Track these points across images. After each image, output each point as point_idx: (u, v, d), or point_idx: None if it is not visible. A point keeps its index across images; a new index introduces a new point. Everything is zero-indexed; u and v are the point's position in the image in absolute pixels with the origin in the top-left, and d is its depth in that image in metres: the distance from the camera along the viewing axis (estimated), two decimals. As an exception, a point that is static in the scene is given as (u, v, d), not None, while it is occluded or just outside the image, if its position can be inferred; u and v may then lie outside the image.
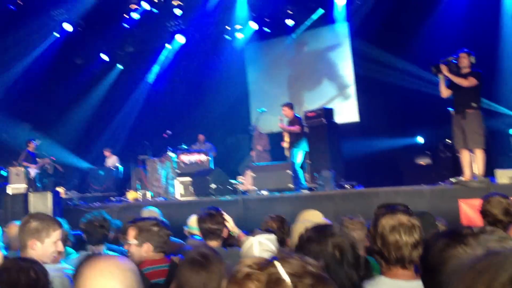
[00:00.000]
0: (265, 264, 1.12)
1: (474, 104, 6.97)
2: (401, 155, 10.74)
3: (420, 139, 11.08)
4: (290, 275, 1.09)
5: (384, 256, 2.27)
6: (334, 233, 2.19)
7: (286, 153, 10.05)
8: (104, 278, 1.62)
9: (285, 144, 10.06)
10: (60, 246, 3.12)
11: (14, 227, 4.78)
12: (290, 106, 10.34)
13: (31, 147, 12.67)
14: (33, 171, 12.51)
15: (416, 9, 11.18)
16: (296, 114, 10.39)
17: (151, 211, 5.22)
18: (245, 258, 1.22)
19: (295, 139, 9.95)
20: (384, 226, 2.27)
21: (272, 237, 3.50)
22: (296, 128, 9.92)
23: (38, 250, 3.01)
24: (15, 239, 4.60)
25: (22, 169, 11.09)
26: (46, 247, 3.04)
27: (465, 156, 7.06)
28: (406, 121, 11.17)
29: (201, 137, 12.49)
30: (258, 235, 3.52)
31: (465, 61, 7.17)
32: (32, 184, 11.98)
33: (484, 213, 4.05)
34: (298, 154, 9.84)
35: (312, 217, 3.87)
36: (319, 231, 2.23)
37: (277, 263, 1.11)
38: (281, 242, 3.62)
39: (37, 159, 12.51)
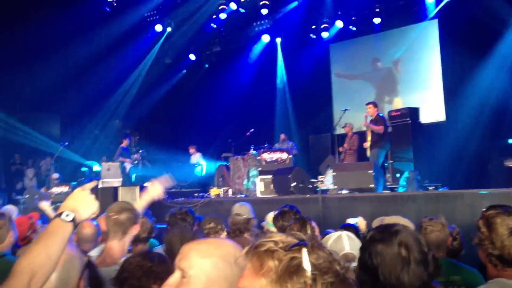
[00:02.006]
0: (292, 247, 1.08)
1: None
2: (490, 157, 10.26)
3: (511, 141, 10.51)
4: (313, 265, 1.05)
5: (503, 258, 2.26)
6: (398, 230, 2.16)
7: (368, 152, 9.89)
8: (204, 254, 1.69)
9: (368, 144, 9.90)
10: None
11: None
12: (374, 104, 10.15)
13: (125, 143, 13.40)
14: (128, 165, 13.24)
15: (508, 6, 10.62)
16: (380, 114, 10.20)
17: (243, 206, 5.32)
18: (274, 234, 1.18)
19: (378, 138, 9.77)
20: (503, 228, 2.27)
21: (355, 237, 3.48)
22: (379, 128, 9.73)
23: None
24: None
25: (115, 164, 11.66)
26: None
27: None
28: (496, 122, 10.64)
29: (282, 136, 12.58)
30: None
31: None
32: (128, 178, 12.65)
33: None
34: (380, 154, 9.66)
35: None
36: (382, 230, 2.21)
37: (304, 250, 1.07)
38: None
39: (133, 155, 13.19)
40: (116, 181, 10.88)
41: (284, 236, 1.13)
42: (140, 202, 3.71)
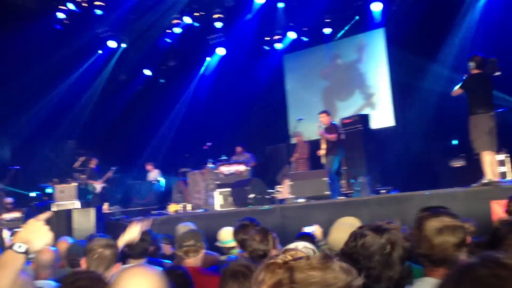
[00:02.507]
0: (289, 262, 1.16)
1: (471, 110, 7.13)
2: (436, 158, 10.65)
3: (455, 142, 10.93)
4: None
5: (430, 257, 2.34)
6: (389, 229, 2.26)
7: (323, 160, 10.08)
8: (134, 283, 1.79)
9: (322, 152, 10.08)
10: None
11: (63, 244, 5.01)
12: (327, 113, 10.36)
13: (93, 163, 13.22)
14: (99, 186, 13.05)
15: (451, 13, 11.08)
16: (333, 121, 10.42)
17: (186, 227, 5.28)
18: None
19: (332, 146, 9.96)
20: (429, 228, 2.34)
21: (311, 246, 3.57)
22: (333, 136, 9.92)
23: None
24: (64, 255, 4.82)
25: (70, 186, 11.36)
26: None
27: (482, 157, 7.04)
28: (441, 124, 11.05)
29: (239, 149, 12.62)
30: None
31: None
32: (101, 199, 12.50)
33: (509, 213, 4.03)
34: (334, 161, 9.86)
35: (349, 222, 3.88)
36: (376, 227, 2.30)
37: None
38: (264, 255, 3.63)
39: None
40: (70, 204, 10.69)
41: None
42: (119, 244, 3.60)
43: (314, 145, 11.06)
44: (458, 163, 9.44)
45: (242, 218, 4.58)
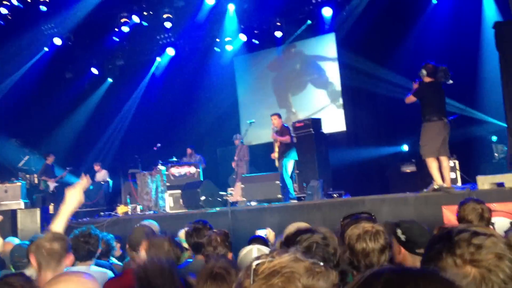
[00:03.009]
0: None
1: (425, 117, 7.27)
2: (387, 163, 10.89)
3: (405, 147, 11.23)
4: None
5: (354, 265, 2.34)
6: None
7: (277, 163, 10.09)
8: None
9: (275, 155, 10.09)
10: None
11: (9, 245, 4.81)
12: (278, 115, 10.42)
13: (50, 160, 12.86)
14: (52, 184, 12.68)
15: (401, 20, 11.36)
16: (285, 124, 10.47)
17: (151, 225, 5.17)
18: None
19: (285, 149, 9.98)
20: (350, 235, 2.35)
21: (265, 248, 3.57)
22: (286, 138, 9.96)
23: None
24: (7, 257, 4.64)
25: (14, 185, 11.01)
26: None
27: (428, 164, 7.23)
28: (391, 130, 11.34)
29: (189, 150, 12.52)
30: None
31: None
32: (52, 197, 12.09)
33: (460, 219, 4.11)
34: (288, 164, 9.88)
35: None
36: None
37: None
38: (223, 256, 3.63)
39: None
40: (14, 203, 10.32)
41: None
42: (60, 220, 3.20)
43: (266, 148, 11.09)
44: (408, 169, 9.68)
45: (195, 221, 4.50)
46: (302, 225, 4.07)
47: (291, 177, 9.95)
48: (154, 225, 5.11)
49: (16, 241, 4.92)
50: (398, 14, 11.38)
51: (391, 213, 6.77)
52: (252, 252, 3.36)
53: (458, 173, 8.31)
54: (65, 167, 13.30)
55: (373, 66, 11.57)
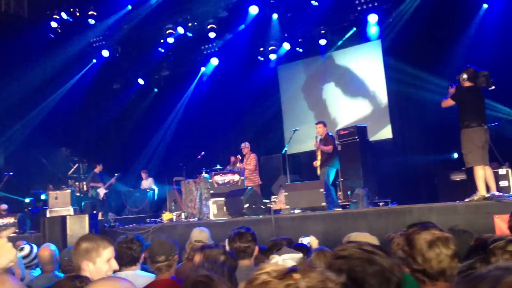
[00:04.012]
0: (285, 274, 1.11)
1: (464, 123, 7.08)
2: (435, 171, 10.56)
3: (455, 155, 10.88)
4: None
5: (426, 272, 2.28)
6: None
7: (318, 171, 10.02)
8: None
9: (317, 163, 10.03)
10: (114, 265, 3.02)
11: (46, 250, 4.92)
12: (323, 124, 10.35)
13: (98, 169, 13.24)
14: (102, 192, 13.02)
15: (450, 25, 11.09)
16: (329, 133, 10.37)
17: (202, 232, 5.19)
18: (265, 265, 1.20)
19: (327, 157, 9.92)
20: (422, 242, 2.30)
21: (298, 256, 3.47)
22: (329, 148, 9.89)
23: (92, 271, 2.92)
24: (47, 262, 4.74)
25: (64, 192, 11.30)
26: (98, 267, 2.95)
27: (475, 172, 6.97)
28: (440, 137, 11.00)
29: (233, 158, 12.54)
30: (284, 254, 3.50)
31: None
32: (104, 204, 12.39)
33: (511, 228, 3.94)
34: (330, 172, 9.80)
35: (362, 239, 3.77)
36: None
37: (296, 275, 1.09)
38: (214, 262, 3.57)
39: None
40: (64, 210, 10.58)
41: (274, 265, 1.16)
42: None
43: (310, 156, 10.99)
44: (458, 177, 9.35)
45: (239, 227, 4.50)
46: (363, 235, 3.95)
47: (334, 185, 9.82)
48: (205, 232, 5.13)
49: (51, 246, 5.01)
50: (447, 20, 11.11)
51: (440, 222, 6.44)
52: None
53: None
54: (113, 175, 13.59)
55: (420, 72, 11.30)
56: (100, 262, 2.97)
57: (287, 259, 3.32)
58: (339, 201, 9.60)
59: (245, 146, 11.87)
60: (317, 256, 3.32)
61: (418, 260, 2.29)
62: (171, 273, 3.85)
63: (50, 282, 3.74)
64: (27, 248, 5.10)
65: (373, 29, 12.80)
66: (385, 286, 1.80)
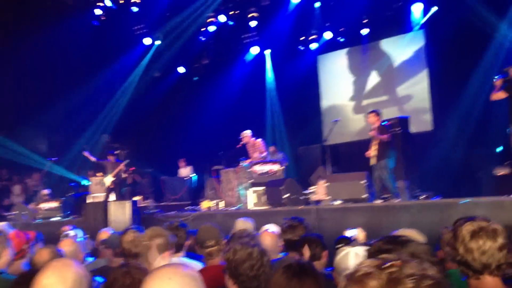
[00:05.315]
0: (385, 265, 1.15)
1: None
2: (478, 165, 10.30)
3: (499, 149, 10.57)
4: (410, 275, 1.11)
5: (469, 264, 2.19)
6: (406, 241, 2.12)
7: (372, 162, 9.29)
8: (162, 283, 1.73)
9: (372, 153, 9.24)
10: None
11: (105, 234, 5.04)
12: (376, 112, 9.50)
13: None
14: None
15: (495, 15, 10.76)
16: (382, 122, 9.50)
17: (246, 222, 5.15)
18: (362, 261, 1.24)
19: (384, 148, 9.11)
20: (464, 233, 2.21)
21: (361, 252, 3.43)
22: (385, 137, 9.07)
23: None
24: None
25: (103, 178, 11.54)
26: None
27: None
28: (483, 130, 10.72)
29: (272, 148, 12.48)
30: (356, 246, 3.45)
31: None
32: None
33: None
34: (389, 163, 9.08)
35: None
36: (390, 241, 2.16)
37: (397, 263, 1.14)
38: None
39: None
40: (102, 196, 10.81)
41: (369, 260, 1.20)
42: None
43: (351, 147, 10.85)
44: (502, 171, 9.08)
45: (291, 217, 4.45)
46: (410, 232, 3.85)
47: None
48: (249, 222, 5.11)
49: (110, 231, 5.12)
50: (489, 10, 10.77)
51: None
52: (348, 256, 3.20)
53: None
54: (152, 163, 13.72)
55: (464, 64, 11.03)
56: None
57: (359, 252, 3.28)
58: (383, 194, 9.20)
59: (246, 135, 11.33)
60: None
61: (459, 250, 2.20)
62: (220, 258, 3.85)
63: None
64: (79, 233, 5.24)
65: (416, 18, 12.53)
66: None
